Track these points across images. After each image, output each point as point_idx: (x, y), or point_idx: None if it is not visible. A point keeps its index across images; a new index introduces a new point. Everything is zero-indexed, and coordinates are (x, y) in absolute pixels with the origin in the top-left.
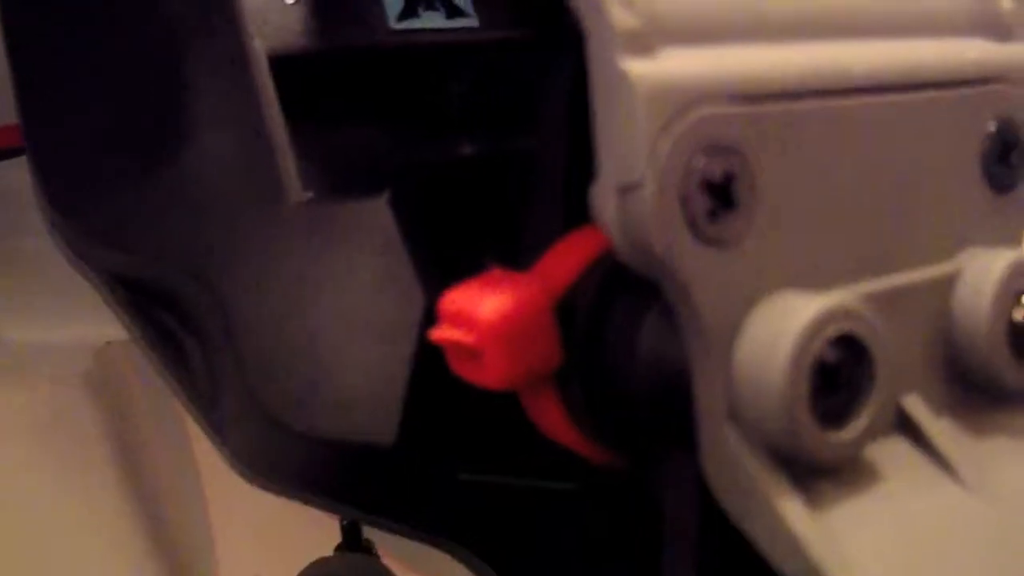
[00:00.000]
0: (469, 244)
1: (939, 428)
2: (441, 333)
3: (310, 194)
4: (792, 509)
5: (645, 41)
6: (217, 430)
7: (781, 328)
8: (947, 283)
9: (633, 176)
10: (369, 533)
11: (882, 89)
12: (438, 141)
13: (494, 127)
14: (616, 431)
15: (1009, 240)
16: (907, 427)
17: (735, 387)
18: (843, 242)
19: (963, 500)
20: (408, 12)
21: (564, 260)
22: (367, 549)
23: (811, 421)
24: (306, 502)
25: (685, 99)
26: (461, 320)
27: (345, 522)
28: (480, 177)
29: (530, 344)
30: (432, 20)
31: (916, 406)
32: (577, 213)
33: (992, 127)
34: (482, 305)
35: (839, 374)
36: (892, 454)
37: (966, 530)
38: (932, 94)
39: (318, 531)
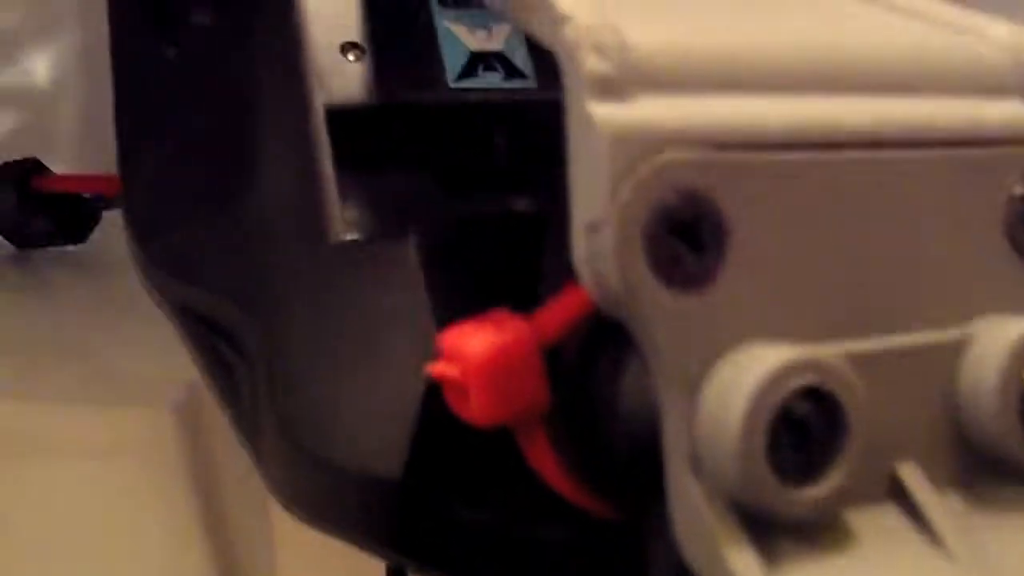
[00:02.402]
0: (493, 293)
1: (934, 499)
2: (435, 368)
3: (351, 235)
4: (747, 567)
5: (618, 87)
6: (259, 458)
7: (742, 377)
8: (957, 349)
9: (597, 215)
10: None
11: (884, 145)
12: (482, 193)
13: (537, 185)
14: (603, 480)
15: None
16: (899, 495)
17: (698, 437)
18: (831, 298)
19: (947, 574)
20: (468, 71)
21: (561, 306)
22: None
23: (770, 475)
24: (326, 532)
25: (652, 142)
26: (452, 355)
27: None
28: (513, 231)
29: (515, 383)
30: (490, 80)
31: (911, 474)
32: None
33: (1019, 190)
34: (471, 341)
35: (809, 429)
36: (878, 521)
37: None
38: (945, 152)
39: (378, 569)
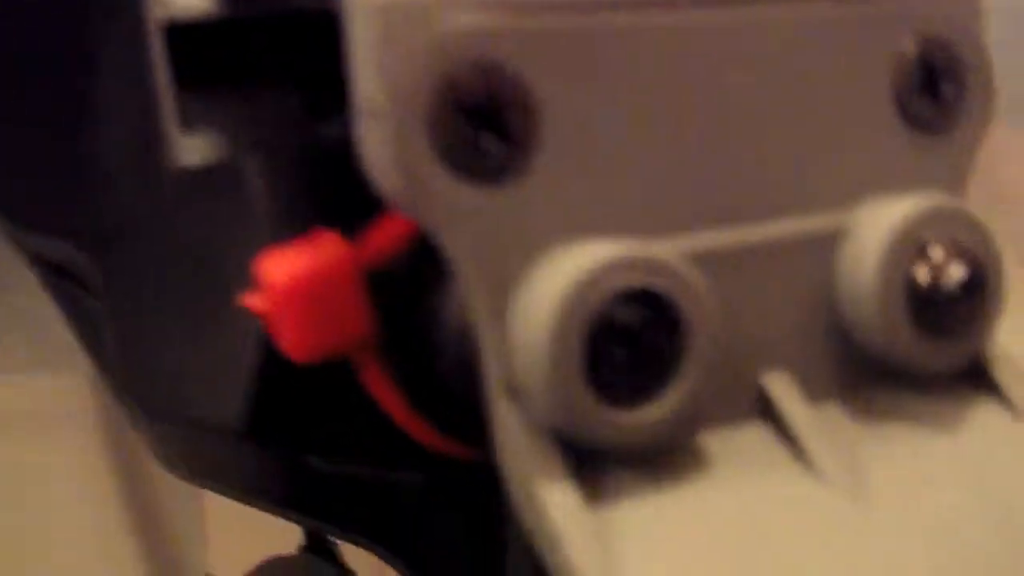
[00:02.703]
0: (336, 217)
1: (806, 414)
2: (248, 299)
3: (191, 161)
4: (560, 501)
5: None
6: (127, 414)
7: (553, 280)
8: (834, 237)
9: (371, 98)
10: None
11: (733, 1)
12: (341, 116)
13: None
14: (446, 416)
15: (945, 190)
16: (767, 411)
17: (512, 355)
18: (672, 186)
19: (817, 501)
20: None
21: (387, 227)
22: (329, 551)
23: (588, 397)
24: (205, 487)
25: (429, 8)
26: (263, 284)
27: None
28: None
29: (330, 310)
30: None
31: (780, 386)
32: None
33: (910, 48)
34: (278, 268)
35: (641, 341)
36: (738, 443)
37: (804, 534)
38: (809, 7)
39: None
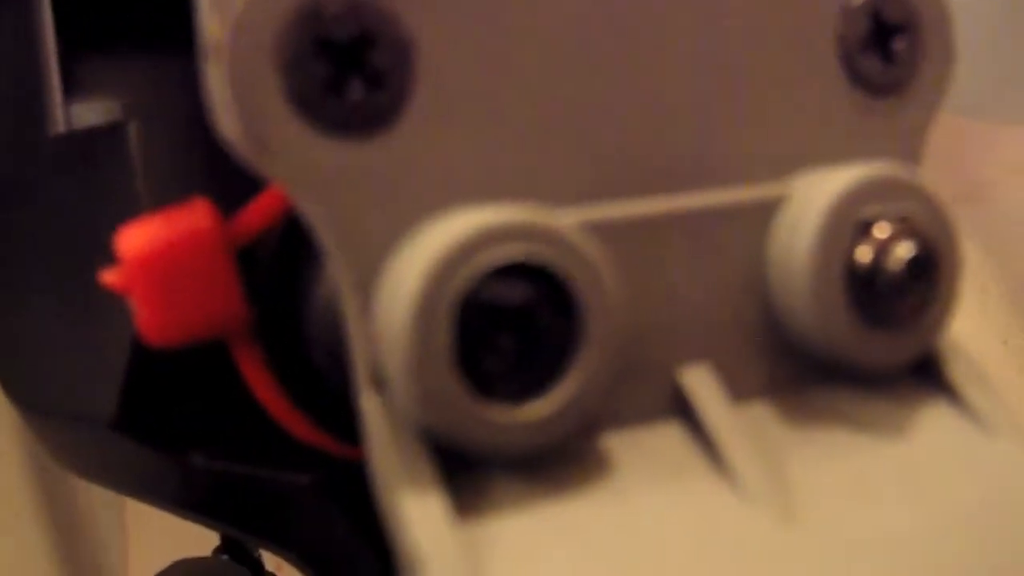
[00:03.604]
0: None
1: (726, 414)
2: (107, 275)
3: (71, 127)
4: (423, 515)
5: None
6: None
7: (419, 252)
8: (766, 211)
9: (211, 35)
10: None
11: None
12: None
13: None
14: (327, 410)
15: (896, 160)
16: (684, 410)
17: (376, 342)
18: (572, 146)
19: (735, 516)
20: None
21: (261, 200)
22: (245, 550)
23: (458, 390)
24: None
25: None
26: (120, 258)
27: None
28: None
29: (189, 287)
30: None
31: (699, 381)
32: None
33: (858, 0)
34: (132, 239)
35: (529, 323)
36: (648, 446)
37: (711, 557)
38: None
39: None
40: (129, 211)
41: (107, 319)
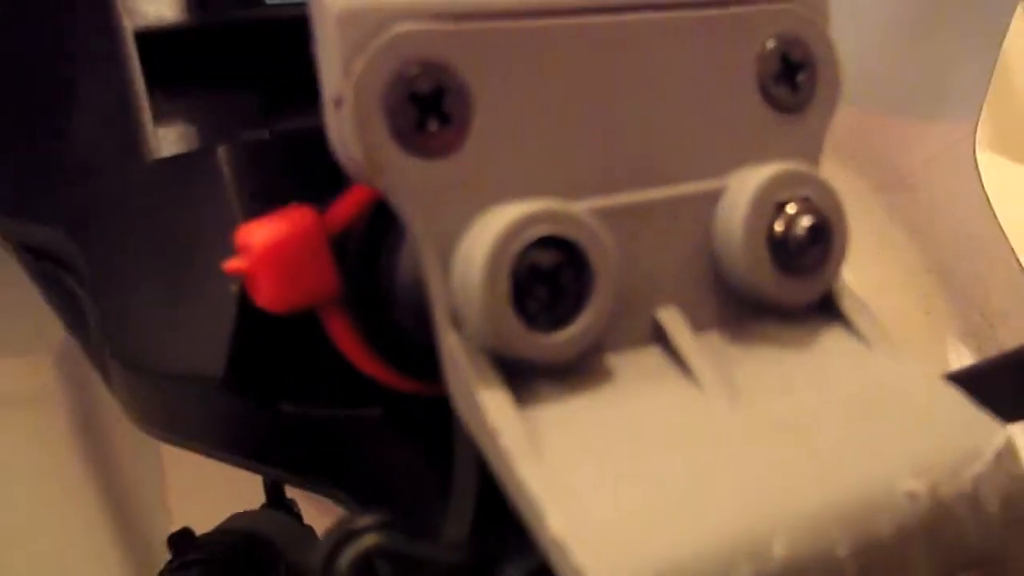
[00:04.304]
0: (300, 194)
1: (691, 340)
2: (230, 263)
3: (165, 152)
4: (496, 405)
5: None
6: (108, 382)
7: (484, 231)
8: (712, 198)
9: (336, 90)
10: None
11: (626, 8)
12: (302, 110)
13: None
14: (403, 355)
15: (801, 160)
16: (661, 338)
17: (454, 293)
18: (581, 159)
19: (700, 405)
20: None
21: (347, 198)
22: (288, 508)
23: (516, 322)
24: (175, 444)
25: (382, 17)
26: (242, 249)
27: (268, 481)
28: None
29: (301, 268)
30: None
31: (671, 318)
32: None
33: (770, 45)
34: (255, 235)
35: (557, 278)
36: (639, 363)
37: (689, 431)
38: (691, 12)
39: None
40: (223, 217)
41: (211, 298)
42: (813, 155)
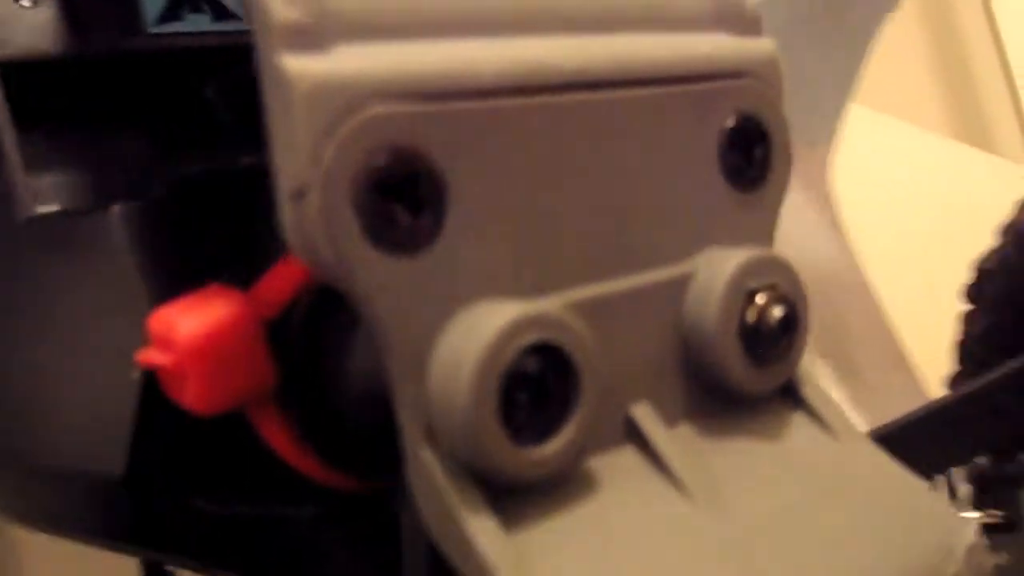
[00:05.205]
0: (213, 265)
1: (667, 437)
2: (144, 355)
3: (42, 208)
4: (483, 531)
5: (313, 36)
6: None
7: (469, 340)
8: (680, 285)
9: (300, 180)
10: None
11: (597, 86)
12: (195, 152)
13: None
14: (342, 454)
15: (757, 239)
16: (635, 436)
17: (431, 405)
18: (554, 246)
19: (685, 512)
20: (169, 15)
21: (281, 276)
22: None
23: (502, 438)
24: (67, 539)
25: (352, 97)
26: (162, 341)
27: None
28: (230, 193)
29: (235, 364)
30: (197, 23)
31: (645, 415)
32: None
33: (731, 122)
34: (180, 325)
35: (544, 385)
36: (616, 466)
37: (682, 543)
38: (657, 90)
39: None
40: (119, 291)
41: (107, 388)
42: (770, 233)
